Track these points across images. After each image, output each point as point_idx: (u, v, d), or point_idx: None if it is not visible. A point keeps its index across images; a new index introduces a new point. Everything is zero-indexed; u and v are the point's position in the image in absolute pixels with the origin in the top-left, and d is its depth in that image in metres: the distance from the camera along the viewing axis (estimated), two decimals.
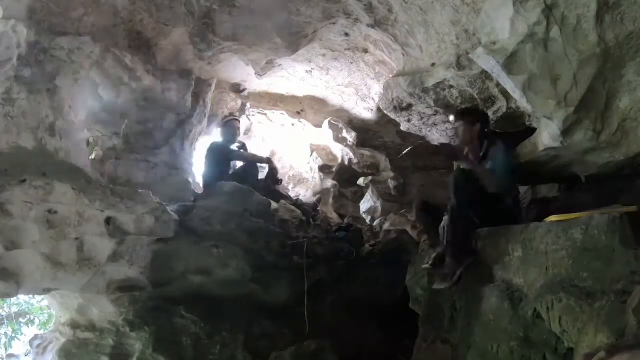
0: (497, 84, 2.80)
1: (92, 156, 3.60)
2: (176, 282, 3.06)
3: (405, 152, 3.25)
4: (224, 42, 3.65)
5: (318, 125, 5.33)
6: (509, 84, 2.41)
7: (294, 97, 5.15)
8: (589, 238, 1.89)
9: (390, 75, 3.85)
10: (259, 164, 4.67)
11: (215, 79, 4.54)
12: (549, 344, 1.90)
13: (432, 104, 3.49)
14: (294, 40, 3.65)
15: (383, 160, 5.30)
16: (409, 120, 4.07)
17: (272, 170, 4.59)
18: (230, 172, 4.31)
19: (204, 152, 4.40)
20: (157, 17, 3.39)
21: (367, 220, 5.22)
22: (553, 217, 2.23)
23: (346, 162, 5.48)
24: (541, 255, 2.09)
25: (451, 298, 2.65)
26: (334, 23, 3.52)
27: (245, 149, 4.62)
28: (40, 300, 6.22)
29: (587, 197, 2.75)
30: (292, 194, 5.52)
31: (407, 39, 3.24)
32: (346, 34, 3.69)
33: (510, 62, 2.26)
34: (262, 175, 4.68)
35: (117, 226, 2.69)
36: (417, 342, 2.70)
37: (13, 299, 5.97)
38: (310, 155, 5.84)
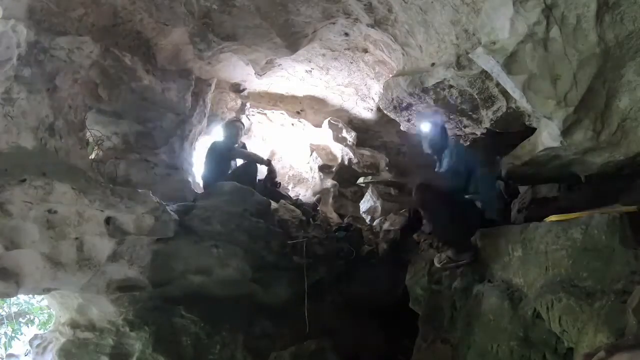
0: (497, 84, 2.80)
1: (92, 156, 3.60)
2: (176, 282, 3.05)
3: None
4: (224, 42, 3.65)
5: (318, 125, 5.33)
6: (509, 84, 2.41)
7: (294, 97, 5.16)
8: (589, 238, 1.89)
9: (390, 75, 3.86)
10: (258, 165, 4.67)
11: (215, 79, 4.54)
12: (549, 344, 1.90)
13: (432, 104, 3.49)
14: (294, 40, 3.65)
15: (383, 160, 5.31)
16: (409, 120, 4.07)
17: (271, 174, 4.60)
18: (230, 171, 4.30)
19: (205, 152, 4.39)
20: (157, 17, 3.39)
21: (367, 220, 5.23)
22: (553, 217, 2.23)
23: (346, 162, 5.49)
24: (541, 255, 2.09)
25: (451, 298, 2.65)
26: (334, 23, 3.52)
27: (246, 149, 4.62)
28: (40, 300, 6.22)
29: (587, 197, 2.75)
30: (292, 194, 5.52)
31: (407, 39, 3.24)
32: (346, 34, 3.69)
33: (510, 62, 2.27)
34: (261, 176, 4.67)
35: (117, 226, 2.69)
36: (417, 342, 2.70)
37: (13, 299, 5.97)
38: (310, 155, 5.84)
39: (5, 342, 5.83)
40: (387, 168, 5.33)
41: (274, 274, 3.36)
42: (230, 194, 3.53)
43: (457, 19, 2.68)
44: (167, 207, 2.99)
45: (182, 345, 2.91)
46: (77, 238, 2.56)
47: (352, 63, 4.20)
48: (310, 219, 4.18)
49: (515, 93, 2.43)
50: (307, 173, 5.96)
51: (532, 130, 2.81)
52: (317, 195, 5.34)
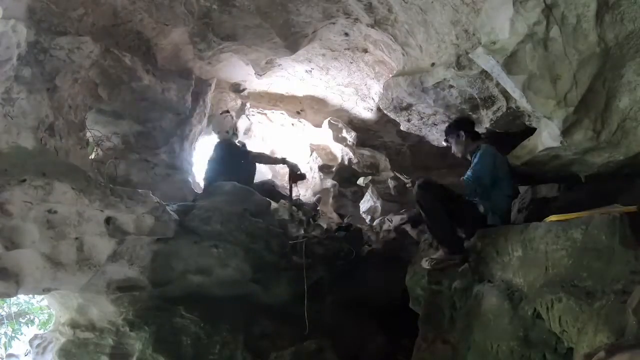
0: (497, 84, 2.80)
1: (92, 156, 3.60)
2: (176, 282, 3.06)
3: None
4: (224, 42, 3.65)
5: (318, 125, 5.33)
6: (509, 84, 2.41)
7: (294, 97, 5.16)
8: (589, 238, 1.89)
9: (390, 75, 3.85)
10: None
11: (215, 79, 4.54)
12: (549, 344, 1.90)
13: (432, 104, 3.49)
14: (294, 40, 3.65)
15: (383, 160, 5.31)
16: (409, 120, 4.06)
17: (293, 168, 4.47)
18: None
19: (216, 151, 4.32)
20: (157, 17, 3.39)
21: (367, 220, 5.23)
22: (553, 217, 2.23)
23: (346, 162, 5.49)
24: (541, 255, 2.09)
25: (451, 298, 2.65)
26: (334, 23, 3.52)
27: (245, 149, 4.62)
28: (40, 300, 6.23)
29: (587, 197, 2.75)
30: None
31: (407, 39, 3.24)
32: (346, 34, 3.69)
33: (510, 62, 2.26)
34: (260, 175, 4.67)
35: (117, 226, 2.69)
36: (417, 342, 2.70)
37: (13, 299, 5.98)
38: (310, 155, 5.85)
39: (5, 342, 5.84)
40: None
41: (274, 274, 3.36)
42: (230, 194, 3.53)
43: (457, 19, 2.68)
44: (167, 207, 2.99)
45: (182, 345, 2.91)
46: (77, 238, 2.56)
47: (352, 63, 4.19)
48: (311, 219, 4.18)
49: (515, 93, 2.43)
50: (307, 173, 5.96)
51: (532, 130, 2.81)
52: (317, 195, 5.34)
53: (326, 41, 3.85)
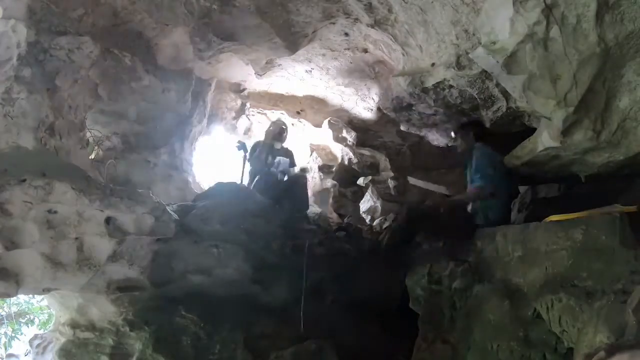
0: (497, 84, 2.80)
1: (92, 156, 3.60)
2: (176, 282, 3.05)
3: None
4: (224, 42, 3.65)
5: (318, 125, 5.33)
6: (509, 84, 2.41)
7: (294, 97, 5.16)
8: (589, 238, 1.89)
9: (390, 75, 3.85)
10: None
11: (215, 79, 4.54)
12: (549, 344, 1.90)
13: (432, 104, 3.49)
14: (294, 40, 3.65)
15: (383, 160, 5.31)
16: (409, 120, 4.07)
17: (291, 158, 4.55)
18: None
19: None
20: (157, 17, 3.39)
21: (367, 220, 5.23)
22: (553, 217, 2.23)
23: (346, 162, 5.49)
24: (541, 255, 2.10)
25: (451, 298, 2.66)
26: (334, 23, 3.52)
27: (245, 149, 4.61)
28: (40, 300, 6.23)
29: (587, 197, 2.75)
30: None
31: (407, 39, 3.24)
32: (346, 34, 3.69)
33: (510, 62, 2.27)
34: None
35: (117, 226, 2.69)
36: (417, 342, 2.70)
37: (13, 299, 5.97)
38: (310, 155, 5.85)
39: (5, 342, 5.84)
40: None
41: (274, 274, 3.35)
42: (230, 194, 3.53)
43: (457, 19, 2.68)
44: (167, 207, 2.99)
45: (182, 345, 2.91)
46: (77, 238, 2.56)
47: (352, 63, 4.19)
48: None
49: (515, 93, 2.43)
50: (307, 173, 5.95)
51: (532, 130, 2.81)
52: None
53: (326, 41, 3.85)
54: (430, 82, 3.20)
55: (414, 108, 3.77)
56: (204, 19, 3.42)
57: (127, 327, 2.93)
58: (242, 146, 4.57)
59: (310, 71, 4.46)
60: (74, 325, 3.05)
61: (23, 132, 2.56)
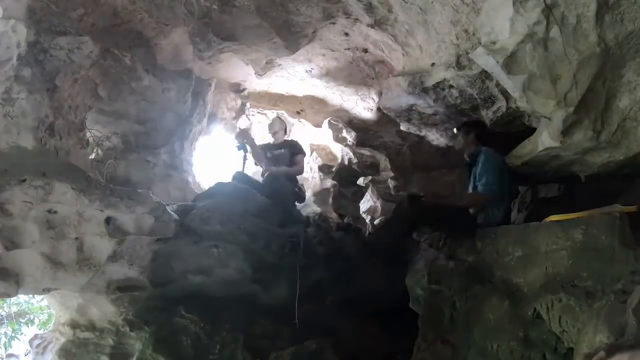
0: (497, 84, 2.80)
1: (92, 156, 3.60)
2: (176, 282, 3.05)
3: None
4: (224, 42, 3.65)
5: (318, 125, 5.33)
6: (509, 84, 2.41)
7: (294, 97, 5.15)
8: (589, 238, 1.89)
9: (390, 75, 3.85)
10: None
11: (215, 79, 4.54)
12: (549, 344, 1.90)
13: (432, 103, 3.49)
14: (294, 40, 3.64)
15: (383, 160, 5.31)
16: (409, 120, 4.07)
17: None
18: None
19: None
20: (157, 17, 3.39)
21: (367, 220, 5.23)
22: (553, 217, 2.23)
23: (346, 162, 5.49)
24: (541, 255, 2.10)
25: (451, 298, 2.65)
26: (334, 23, 3.52)
27: (245, 149, 4.61)
28: (40, 300, 6.23)
29: (587, 197, 2.75)
30: None
31: (407, 39, 3.24)
32: (346, 34, 3.69)
33: (510, 62, 2.27)
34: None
35: (117, 226, 2.69)
36: (417, 342, 2.70)
37: (13, 299, 5.97)
38: (310, 155, 5.85)
39: (5, 342, 5.84)
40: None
41: (274, 274, 3.35)
42: (230, 194, 3.53)
43: (457, 19, 2.68)
44: (167, 207, 2.99)
45: (182, 345, 2.91)
46: (77, 238, 2.56)
47: (352, 63, 4.19)
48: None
49: (515, 93, 2.43)
50: (307, 173, 5.96)
51: (532, 130, 2.81)
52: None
53: (326, 41, 3.85)
54: (430, 82, 3.20)
55: (414, 108, 3.77)
56: (204, 19, 3.42)
57: (127, 327, 2.93)
58: (242, 146, 4.57)
59: (310, 71, 4.46)
60: (74, 325, 3.05)
61: (23, 132, 2.55)
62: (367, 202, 5.45)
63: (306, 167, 5.93)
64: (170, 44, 3.73)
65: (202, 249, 3.10)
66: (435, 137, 4.29)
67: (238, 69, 4.44)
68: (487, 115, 3.19)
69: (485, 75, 2.79)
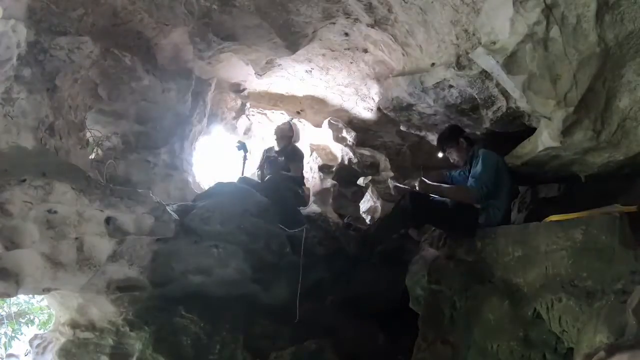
0: (497, 84, 2.80)
1: (92, 156, 3.60)
2: (176, 282, 3.05)
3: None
4: (224, 42, 3.65)
5: (318, 125, 5.33)
6: (509, 84, 2.41)
7: (294, 97, 5.15)
8: (589, 238, 1.89)
9: (390, 75, 3.85)
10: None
11: (215, 79, 4.54)
12: (549, 344, 1.90)
13: (432, 103, 3.49)
14: (294, 40, 3.65)
15: (383, 160, 5.31)
16: (409, 120, 4.07)
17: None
18: None
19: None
20: (157, 17, 3.39)
21: (367, 220, 5.23)
22: (553, 217, 2.23)
23: (346, 162, 5.49)
24: (541, 255, 2.10)
25: (451, 298, 2.65)
26: (334, 23, 3.52)
27: (245, 149, 4.61)
28: (40, 300, 6.22)
29: (587, 197, 2.75)
30: None
31: (407, 39, 3.24)
32: (346, 34, 3.69)
33: (510, 62, 2.27)
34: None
35: (117, 226, 2.69)
36: (417, 342, 2.70)
37: (13, 299, 5.97)
38: (310, 155, 5.83)
39: (5, 342, 5.83)
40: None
41: (274, 274, 3.36)
42: (230, 194, 3.53)
43: (457, 19, 2.68)
44: (167, 207, 2.99)
45: (182, 345, 2.91)
46: (77, 238, 2.56)
47: (352, 63, 4.19)
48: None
49: (515, 93, 2.43)
50: (307, 173, 5.95)
51: (532, 130, 2.81)
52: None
53: (326, 41, 3.85)
54: (430, 82, 3.20)
55: (414, 108, 3.77)
56: (204, 19, 3.42)
57: (127, 327, 2.93)
58: (242, 146, 4.57)
59: (310, 71, 4.46)
60: (74, 325, 3.05)
61: (23, 132, 2.56)
62: (367, 202, 5.45)
63: (306, 167, 5.92)
64: (170, 44, 3.73)
65: (202, 249, 3.10)
66: (435, 137, 4.29)
67: (238, 69, 4.44)
68: (487, 115, 3.19)
69: (485, 75, 2.79)
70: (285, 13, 3.38)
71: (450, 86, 3.14)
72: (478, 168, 2.89)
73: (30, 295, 5.84)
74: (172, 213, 3.01)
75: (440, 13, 2.74)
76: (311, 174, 5.88)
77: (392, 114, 4.09)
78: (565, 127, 2.32)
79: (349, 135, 5.22)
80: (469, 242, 2.81)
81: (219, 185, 3.77)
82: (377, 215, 5.14)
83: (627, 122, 2.25)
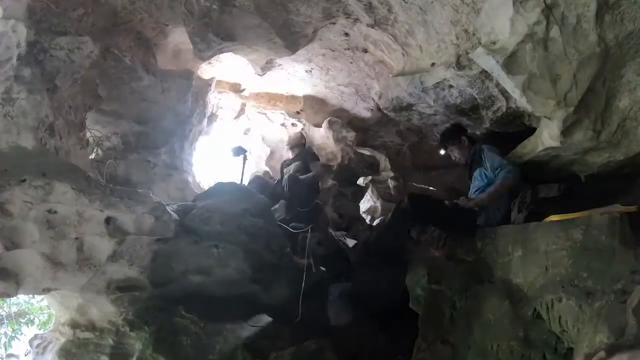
0: (497, 84, 2.80)
1: (92, 156, 3.60)
2: (176, 282, 3.05)
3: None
4: (224, 42, 3.65)
5: (318, 125, 5.33)
6: (509, 84, 2.41)
7: (294, 97, 5.16)
8: (589, 238, 1.89)
9: (390, 75, 3.85)
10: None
11: (215, 79, 4.54)
12: (549, 344, 1.90)
13: (432, 104, 3.49)
14: (294, 40, 3.65)
15: (383, 160, 5.31)
16: (409, 120, 4.07)
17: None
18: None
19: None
20: (157, 17, 3.39)
21: (367, 220, 5.23)
22: (553, 217, 2.23)
23: (346, 162, 5.49)
24: (541, 255, 2.10)
25: (451, 298, 2.65)
26: (334, 23, 3.52)
27: (244, 152, 4.60)
28: (40, 300, 6.22)
29: (587, 197, 2.75)
30: None
31: (407, 39, 3.24)
32: (346, 34, 3.69)
33: (510, 62, 2.27)
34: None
35: (117, 226, 2.69)
36: (417, 342, 2.70)
37: (13, 299, 5.97)
38: None
39: (5, 342, 5.83)
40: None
41: (274, 274, 3.35)
42: (230, 194, 3.53)
43: (457, 19, 2.68)
44: (167, 207, 2.98)
45: (182, 345, 2.90)
46: (77, 238, 2.56)
47: (352, 63, 4.19)
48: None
49: (515, 93, 2.43)
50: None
51: (532, 130, 2.81)
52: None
53: (326, 41, 3.85)
54: (430, 82, 3.20)
55: (414, 108, 3.77)
56: (204, 19, 3.42)
57: (127, 327, 2.92)
58: (238, 151, 4.58)
59: (310, 71, 4.46)
60: (74, 325, 3.04)
61: (23, 132, 2.55)
62: (367, 202, 5.45)
63: None
64: (170, 44, 3.73)
65: (202, 249, 3.09)
66: (436, 137, 4.29)
67: (238, 69, 4.44)
68: (487, 115, 3.19)
69: (485, 75, 2.79)
70: (285, 13, 3.38)
71: (450, 86, 3.15)
72: (493, 159, 2.86)
73: (30, 295, 5.84)
74: (172, 213, 3.01)
75: (440, 13, 2.74)
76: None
77: (392, 114, 4.09)
78: (565, 127, 2.32)
79: (349, 135, 5.23)
80: (469, 242, 2.81)
81: (219, 185, 3.77)
82: (377, 215, 5.14)
83: (627, 122, 2.25)
